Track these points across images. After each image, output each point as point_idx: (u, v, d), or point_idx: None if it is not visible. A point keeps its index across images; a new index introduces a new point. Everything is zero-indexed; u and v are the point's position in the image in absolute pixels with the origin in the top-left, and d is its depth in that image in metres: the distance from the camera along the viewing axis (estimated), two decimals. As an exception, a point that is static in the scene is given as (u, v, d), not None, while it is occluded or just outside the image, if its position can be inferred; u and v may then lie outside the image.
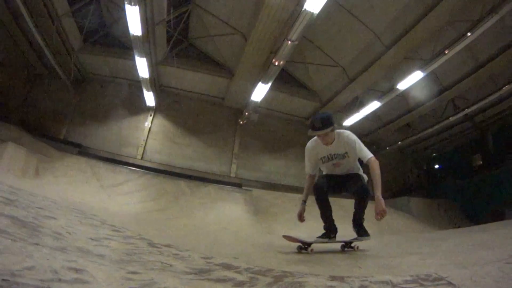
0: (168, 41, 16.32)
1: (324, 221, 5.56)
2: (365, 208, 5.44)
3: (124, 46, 17.11)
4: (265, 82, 14.02)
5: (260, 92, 15.02)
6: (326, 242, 5.43)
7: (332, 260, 4.38)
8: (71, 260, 1.98)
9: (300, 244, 5.11)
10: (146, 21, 12.56)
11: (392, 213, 15.02)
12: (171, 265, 2.52)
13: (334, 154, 5.23)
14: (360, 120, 17.29)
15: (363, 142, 14.88)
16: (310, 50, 15.91)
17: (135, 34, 12.50)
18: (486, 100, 15.26)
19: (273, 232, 10.84)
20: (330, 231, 5.51)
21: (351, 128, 18.03)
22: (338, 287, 2.20)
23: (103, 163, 14.58)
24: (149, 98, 17.84)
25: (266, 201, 14.26)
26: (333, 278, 2.41)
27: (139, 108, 18.71)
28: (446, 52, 12.03)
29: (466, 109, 16.32)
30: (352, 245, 5.51)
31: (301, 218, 5.56)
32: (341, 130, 5.24)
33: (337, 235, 5.56)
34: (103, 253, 2.49)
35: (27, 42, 16.94)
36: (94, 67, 18.67)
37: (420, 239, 7.69)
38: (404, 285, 2.11)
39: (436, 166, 24.18)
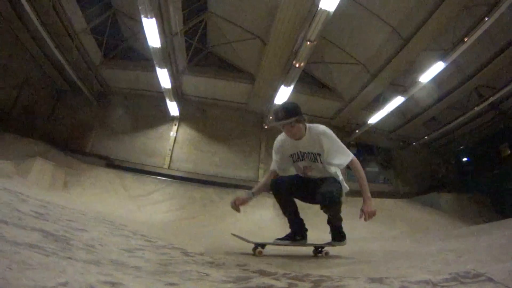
0: (188, 50, 16.48)
1: (288, 220, 4.97)
2: (337, 212, 4.73)
3: (144, 58, 17.27)
4: (287, 85, 13.90)
5: (283, 95, 14.81)
6: (286, 245, 4.92)
7: (367, 260, 4.31)
8: (106, 273, 1.93)
9: (253, 244, 4.54)
10: (164, 33, 12.73)
11: (420, 210, 14.78)
12: (207, 274, 2.47)
13: (305, 153, 4.53)
14: (384, 116, 16.98)
15: (390, 139, 14.58)
16: (329, 49, 15.71)
17: (154, 46, 12.65)
18: (510, 86, 14.80)
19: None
20: (295, 233, 4.87)
21: (376, 126, 17.87)
22: (377, 289, 2.13)
23: (130, 173, 14.80)
24: (173, 108, 18.02)
25: None
26: (372, 280, 2.34)
27: (163, 118, 18.93)
28: (466, 39, 11.76)
29: (491, 98, 15.79)
30: (322, 250, 4.90)
31: (236, 205, 4.70)
32: (315, 124, 4.57)
33: (311, 238, 5.05)
34: (138, 265, 2.42)
35: (48, 61, 17.48)
36: (116, 80, 18.98)
37: (452, 236, 7.50)
38: (444, 284, 2.02)
39: (464, 159, 23.60)
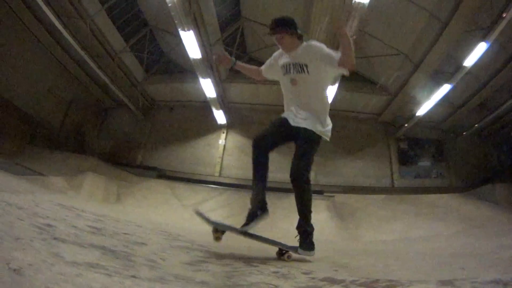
0: (229, 57, 16.50)
1: (253, 187, 4.58)
2: (305, 202, 4.31)
3: (186, 70, 17.59)
4: (332, 83, 13.74)
5: (329, 94, 14.49)
6: (246, 236, 4.27)
7: (431, 261, 4.17)
8: (174, 291, 1.77)
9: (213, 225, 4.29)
10: (203, 43, 12.87)
11: (476, 204, 14.10)
12: (276, 286, 2.44)
13: (294, 64, 4.26)
14: (432, 107, 16.43)
15: (439, 131, 14.25)
16: (368, 42, 15.36)
17: (195, 57, 12.92)
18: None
19: (359, 238, 10.53)
20: (257, 208, 4.42)
21: (425, 118, 17.37)
22: (450, 292, 1.98)
23: (182, 183, 14.98)
24: (220, 116, 18.31)
25: (349, 206, 13.80)
26: (442, 283, 2.24)
27: (210, 127, 19.24)
28: (504, 15, 11.29)
29: (541, 74, 15.02)
30: (285, 253, 4.21)
31: (220, 57, 4.81)
32: (313, 41, 4.43)
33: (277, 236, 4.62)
34: (205, 279, 2.30)
35: (92, 81, 18.63)
36: (160, 94, 19.45)
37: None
38: (515, 283, 1.81)
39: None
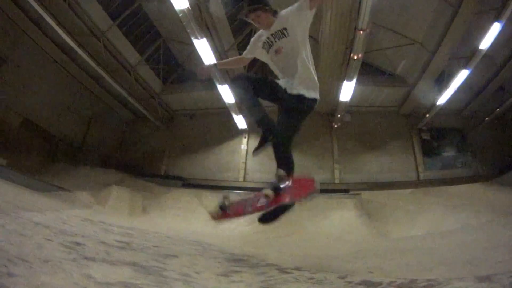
0: (244, 62, 16.52)
1: (251, 113, 4.43)
2: (281, 154, 4.35)
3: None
4: (350, 79, 13.58)
5: (347, 90, 14.53)
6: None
7: (465, 256, 4.08)
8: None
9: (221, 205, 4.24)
10: (217, 50, 12.93)
11: (503, 192, 13.62)
12: None
13: (274, 33, 4.20)
14: (451, 95, 16.09)
15: (461, 117, 13.97)
16: (382, 34, 15.02)
17: (210, 64, 12.86)
18: None
19: (388, 234, 10.33)
20: (265, 133, 4.28)
21: (445, 106, 16.97)
22: (489, 288, 1.92)
23: (207, 191, 14.96)
24: (240, 121, 18.27)
25: (375, 203, 13.53)
26: (479, 279, 2.18)
27: (232, 132, 19.27)
28: None
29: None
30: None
31: (203, 70, 4.99)
32: (283, 10, 4.30)
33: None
34: None
35: (110, 95, 19.18)
36: (179, 103, 19.61)
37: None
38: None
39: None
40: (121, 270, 2.27)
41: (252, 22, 4.35)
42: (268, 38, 4.28)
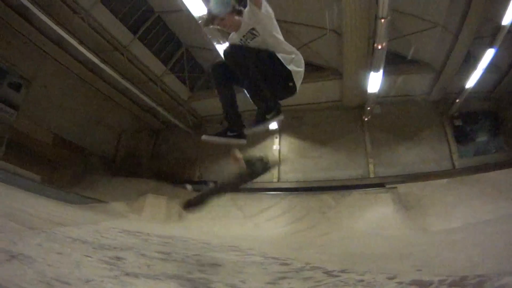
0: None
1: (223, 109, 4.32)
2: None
3: None
4: (376, 69, 13.12)
5: (374, 82, 14.16)
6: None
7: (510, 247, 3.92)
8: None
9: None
10: None
11: None
12: None
13: (245, 35, 3.94)
14: (480, 76, 15.49)
15: (492, 99, 13.43)
16: (402, 20, 14.70)
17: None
18: None
19: (428, 228, 9.97)
20: (227, 128, 4.28)
21: (474, 89, 16.41)
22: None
23: (242, 194, 14.93)
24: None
25: (412, 195, 12.85)
26: None
27: (263, 134, 18.79)
28: None
29: None
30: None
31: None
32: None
33: None
34: None
35: (138, 107, 19.67)
36: (207, 109, 19.66)
37: None
38: None
39: None
40: (166, 285, 2.19)
41: (221, 27, 4.20)
42: (241, 40, 4.04)
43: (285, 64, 3.94)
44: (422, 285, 2.37)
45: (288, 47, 4.06)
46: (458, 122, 17.29)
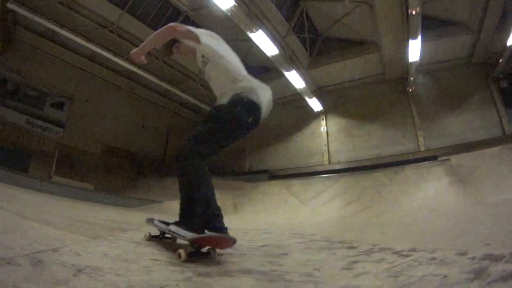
0: (304, 45, 16.61)
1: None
2: (186, 186, 3.50)
3: (267, 69, 17.99)
4: (414, 37, 12.76)
5: (414, 50, 13.70)
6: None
7: None
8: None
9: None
10: (275, 38, 12.95)
11: None
12: (445, 275, 2.15)
13: (201, 62, 3.82)
14: None
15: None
16: None
17: (272, 53, 13.06)
18: None
19: (484, 200, 9.42)
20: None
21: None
22: None
23: (294, 180, 15.00)
24: (314, 104, 18.30)
25: (465, 166, 12.29)
26: None
27: (308, 116, 19.41)
28: None
29: None
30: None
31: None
32: None
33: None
34: (373, 284, 2.16)
35: (181, 106, 21.20)
36: (248, 100, 19.86)
37: None
38: None
39: None
40: (242, 282, 2.12)
41: (179, 56, 4.13)
42: (201, 64, 3.88)
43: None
44: (493, 259, 2.22)
45: (238, 75, 3.76)
46: (504, 84, 16.20)
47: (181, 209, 3.66)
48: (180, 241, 3.62)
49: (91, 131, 17.77)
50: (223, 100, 3.53)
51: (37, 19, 12.99)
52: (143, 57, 4.01)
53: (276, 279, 2.18)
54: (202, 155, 3.34)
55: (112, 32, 14.17)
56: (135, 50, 3.85)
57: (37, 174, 14.57)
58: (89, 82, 17.66)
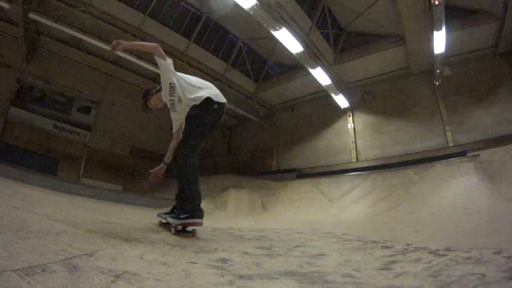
0: (328, 41, 16.60)
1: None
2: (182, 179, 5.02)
3: (293, 67, 18.12)
4: (438, 28, 12.43)
5: (439, 41, 13.36)
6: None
7: None
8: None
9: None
10: (299, 35, 12.94)
11: None
12: (484, 275, 2.10)
13: (170, 93, 4.95)
14: None
15: None
16: None
17: (297, 51, 13.18)
18: None
19: None
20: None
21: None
22: None
23: (323, 178, 14.97)
24: (341, 101, 18.15)
25: (495, 162, 11.79)
26: None
27: (335, 113, 19.30)
28: None
29: None
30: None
31: (152, 177, 5.54)
32: None
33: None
34: (414, 285, 2.11)
35: None
36: (276, 98, 20.23)
37: None
38: None
39: None
40: (284, 285, 2.07)
41: (155, 108, 5.52)
42: (169, 101, 5.09)
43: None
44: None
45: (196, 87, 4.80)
46: (535, 73, 15.63)
47: (176, 198, 5.10)
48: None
49: (118, 133, 18.38)
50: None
51: (59, 27, 13.33)
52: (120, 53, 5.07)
53: (318, 281, 2.15)
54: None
55: (135, 36, 14.37)
56: (124, 42, 4.44)
57: (66, 177, 14.91)
58: (115, 86, 18.19)
